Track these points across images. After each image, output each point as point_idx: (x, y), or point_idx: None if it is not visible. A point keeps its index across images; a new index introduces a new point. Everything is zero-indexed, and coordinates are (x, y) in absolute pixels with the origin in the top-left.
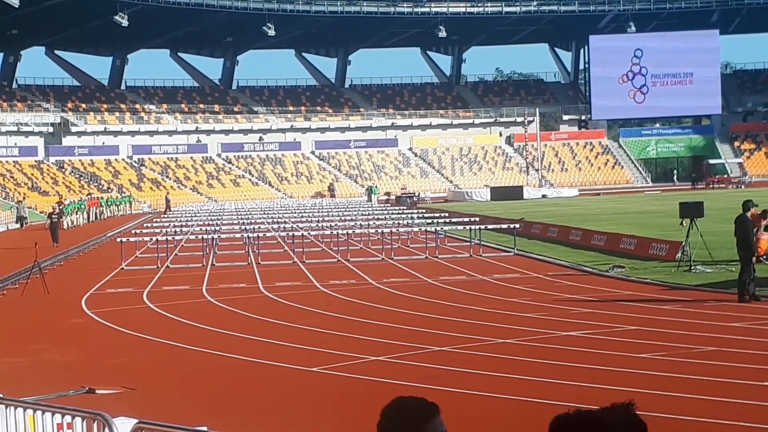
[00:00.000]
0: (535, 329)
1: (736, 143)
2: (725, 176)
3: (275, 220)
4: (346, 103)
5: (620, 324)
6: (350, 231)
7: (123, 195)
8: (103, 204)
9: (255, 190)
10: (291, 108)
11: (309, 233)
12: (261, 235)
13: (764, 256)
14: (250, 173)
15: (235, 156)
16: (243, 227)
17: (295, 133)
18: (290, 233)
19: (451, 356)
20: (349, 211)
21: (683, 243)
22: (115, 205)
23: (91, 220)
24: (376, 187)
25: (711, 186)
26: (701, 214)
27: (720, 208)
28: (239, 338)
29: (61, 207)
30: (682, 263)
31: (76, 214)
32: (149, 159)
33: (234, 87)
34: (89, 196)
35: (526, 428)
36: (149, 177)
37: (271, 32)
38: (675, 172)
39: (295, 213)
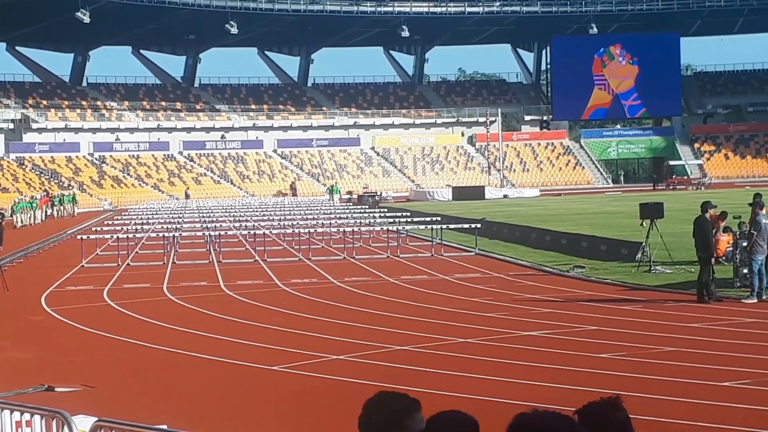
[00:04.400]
0: (496, 329)
1: (696, 145)
2: (685, 177)
3: (237, 219)
4: (309, 102)
5: (580, 324)
6: (312, 230)
7: (65, 194)
8: (56, 203)
9: (217, 188)
10: (253, 106)
11: (271, 232)
12: (222, 233)
13: (723, 257)
14: (212, 171)
15: (197, 154)
16: (204, 225)
17: (257, 131)
18: (252, 232)
19: (412, 355)
20: (311, 209)
21: (643, 244)
22: (66, 203)
23: (42, 219)
24: (338, 186)
25: (671, 187)
26: (661, 215)
27: (680, 209)
28: (200, 336)
29: (12, 205)
30: (642, 264)
31: (27, 212)
32: (110, 156)
33: (196, 85)
34: (44, 194)
35: (487, 428)
36: (110, 174)
37: (234, 30)
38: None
39: (256, 211)
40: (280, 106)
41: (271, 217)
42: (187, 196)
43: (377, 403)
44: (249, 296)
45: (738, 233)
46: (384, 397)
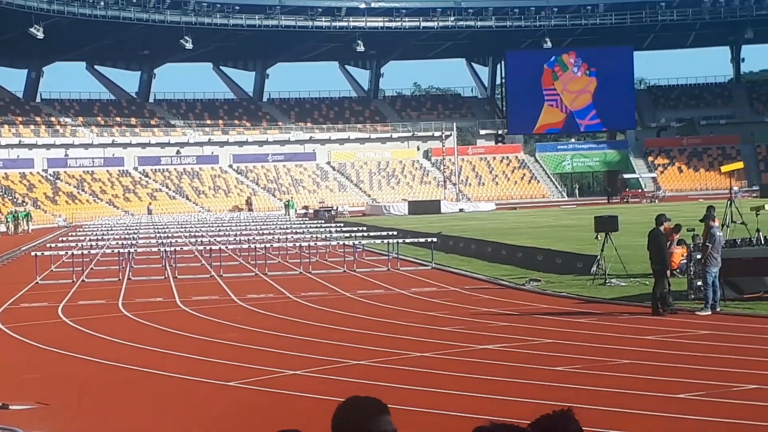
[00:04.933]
0: (452, 342)
1: (650, 158)
2: (639, 191)
3: (192, 234)
4: (264, 117)
5: (536, 337)
6: (268, 245)
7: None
8: (10, 219)
9: (172, 203)
10: (209, 121)
11: (226, 247)
12: (178, 248)
13: (677, 270)
14: (167, 187)
15: (152, 169)
16: (160, 241)
17: (212, 146)
18: (207, 247)
19: (369, 370)
20: (266, 224)
21: (598, 257)
22: (20, 219)
23: None
24: (294, 201)
25: (625, 200)
26: (616, 228)
27: (634, 222)
28: (156, 353)
29: None
30: (597, 277)
31: None
32: (65, 172)
33: (151, 100)
34: None
35: None
36: (65, 190)
37: (189, 45)
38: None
39: (212, 227)
40: (236, 121)
41: (227, 233)
42: (149, 212)
43: (347, 406)
44: (205, 312)
45: (692, 246)
46: (354, 400)
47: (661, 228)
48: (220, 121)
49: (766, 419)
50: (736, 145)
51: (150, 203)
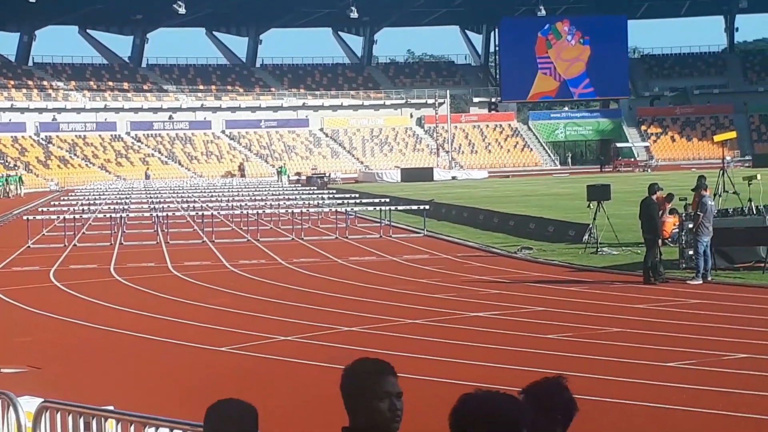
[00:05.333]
0: (444, 310)
1: (643, 127)
2: (632, 160)
3: (185, 200)
4: (257, 83)
5: (528, 305)
6: (260, 211)
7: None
8: (2, 183)
9: (164, 169)
10: (201, 87)
11: (219, 213)
12: (170, 214)
13: (669, 239)
14: (160, 152)
15: (144, 134)
16: (152, 206)
17: (205, 112)
18: (200, 213)
19: (361, 336)
20: (259, 191)
21: (590, 225)
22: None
23: None
24: (287, 167)
25: (618, 169)
26: (608, 197)
27: (627, 191)
28: (147, 317)
29: None
30: (589, 245)
31: None
32: (57, 137)
33: (143, 65)
34: None
35: (434, 407)
36: (57, 155)
37: (182, 10)
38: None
39: (204, 192)
40: (229, 87)
41: (219, 198)
42: (147, 177)
43: (354, 368)
44: (197, 277)
45: (684, 215)
46: (360, 362)
47: (654, 197)
48: (213, 87)
49: (756, 388)
50: (729, 115)
51: (148, 168)
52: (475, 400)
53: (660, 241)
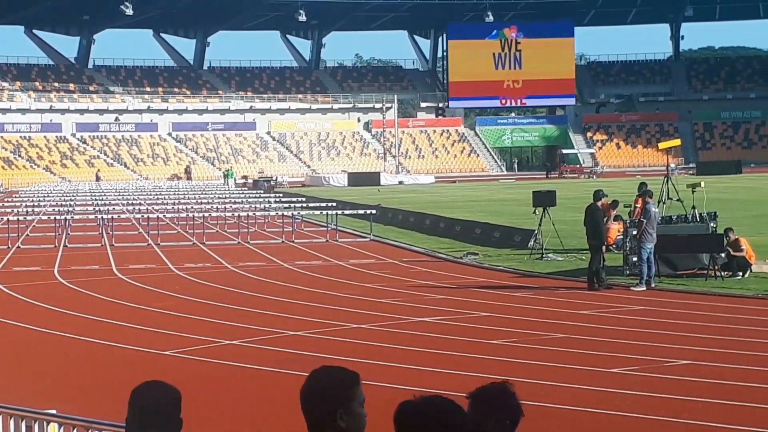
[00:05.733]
0: (389, 315)
1: (589, 134)
2: (578, 166)
3: (130, 202)
4: (205, 85)
5: (473, 310)
6: (207, 214)
7: None
8: None
9: (110, 171)
10: (148, 89)
11: (164, 216)
12: (115, 216)
13: (613, 246)
14: (106, 154)
15: (90, 136)
16: (97, 208)
17: (152, 114)
18: (145, 215)
19: (306, 341)
20: (205, 194)
21: (536, 231)
22: None
23: None
24: (233, 170)
25: (564, 175)
26: (554, 203)
27: (572, 198)
28: (91, 321)
29: None
30: (535, 251)
31: None
32: (1, 137)
33: (90, 66)
34: None
35: (379, 413)
36: (1, 156)
37: (129, 11)
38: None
39: (150, 195)
40: (176, 89)
41: (165, 201)
42: (97, 179)
43: (323, 376)
44: (142, 280)
45: (628, 222)
46: (326, 371)
47: (599, 204)
48: (160, 89)
49: (698, 394)
50: (674, 123)
51: (98, 170)
52: (416, 406)
53: (604, 247)
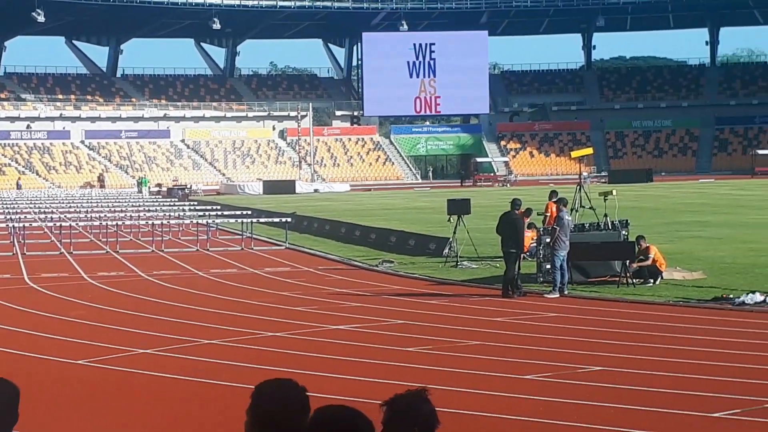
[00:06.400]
0: (305, 323)
1: (503, 142)
2: (492, 174)
3: (42, 210)
4: (118, 93)
5: (388, 318)
6: (120, 222)
7: None
8: None
9: (22, 179)
10: (60, 96)
11: (77, 224)
12: (27, 225)
13: (527, 253)
14: (17, 162)
15: (1, 144)
16: (8, 216)
17: (64, 121)
18: (58, 223)
19: (221, 349)
20: (119, 202)
21: (450, 239)
22: None
23: None
24: (147, 178)
25: (478, 184)
26: (468, 211)
27: (486, 206)
28: (2, 330)
29: None
30: (449, 259)
31: None
32: None
33: (1, 74)
34: None
35: None
36: None
37: (41, 18)
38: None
39: (63, 203)
40: (88, 97)
41: (78, 209)
42: (18, 187)
43: (275, 391)
44: (54, 289)
45: (541, 229)
46: (277, 384)
47: (516, 212)
48: (73, 96)
49: (611, 401)
50: (586, 131)
51: (19, 178)
52: (324, 414)
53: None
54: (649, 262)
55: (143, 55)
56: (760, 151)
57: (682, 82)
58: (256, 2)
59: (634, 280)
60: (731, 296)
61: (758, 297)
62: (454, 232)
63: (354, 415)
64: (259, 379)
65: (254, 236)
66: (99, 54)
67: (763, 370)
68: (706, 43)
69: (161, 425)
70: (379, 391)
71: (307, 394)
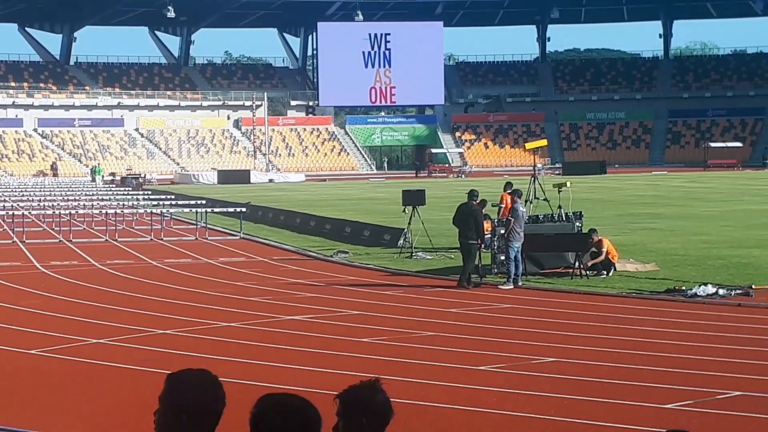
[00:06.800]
0: (260, 313)
1: (458, 133)
2: (446, 165)
3: None
4: (71, 81)
5: (343, 308)
6: (73, 211)
7: None
8: None
9: None
10: (13, 84)
11: (30, 212)
12: None
13: (482, 244)
14: None
15: None
16: None
17: (16, 109)
18: (10, 212)
19: (174, 339)
20: (72, 190)
21: (405, 230)
22: None
23: None
24: (101, 167)
25: (433, 175)
26: (423, 202)
27: (441, 197)
28: None
29: None
30: (404, 250)
31: None
32: None
33: None
34: None
35: (246, 411)
36: None
37: None
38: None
39: (15, 192)
40: (41, 84)
41: (30, 198)
42: None
43: (189, 380)
44: (6, 278)
45: (496, 221)
46: (189, 375)
47: (474, 202)
48: (25, 84)
49: (563, 391)
50: (541, 123)
51: None
52: (270, 402)
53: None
54: (602, 257)
55: (97, 42)
56: (713, 144)
57: (635, 74)
58: None
59: (588, 272)
60: (683, 288)
61: (710, 289)
62: (409, 223)
63: (305, 405)
64: (211, 368)
65: (208, 226)
66: (52, 41)
67: (714, 361)
68: (660, 36)
69: (115, 415)
70: (333, 381)
71: (221, 383)
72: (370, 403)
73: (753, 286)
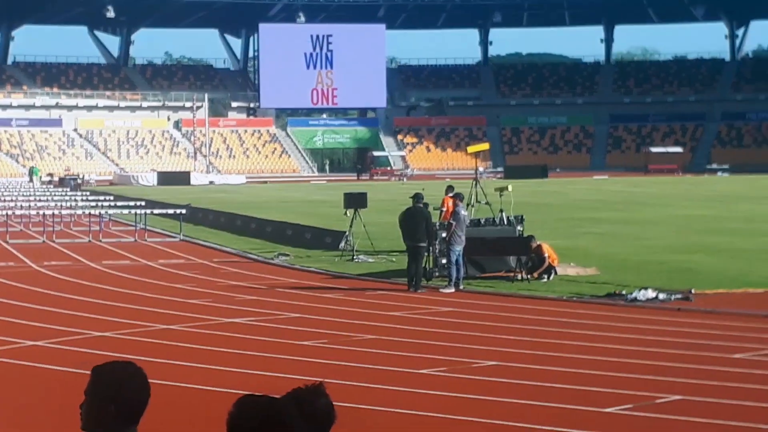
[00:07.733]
0: (199, 315)
1: (400, 136)
2: (388, 168)
3: None
4: (9, 80)
5: (284, 311)
6: (10, 212)
7: None
8: None
9: None
10: None
11: None
12: None
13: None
14: None
15: None
16: None
17: None
18: None
19: (113, 342)
20: (9, 191)
21: (347, 233)
22: None
23: None
24: (39, 167)
25: (374, 178)
26: (364, 205)
27: (383, 200)
28: None
29: None
30: (346, 252)
31: None
32: None
33: None
34: None
35: (189, 415)
36: None
37: None
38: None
39: None
40: None
41: None
42: None
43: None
44: None
45: (438, 224)
46: (116, 366)
47: (420, 205)
48: None
49: (504, 395)
50: (483, 127)
51: None
52: (248, 403)
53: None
54: (546, 265)
55: (35, 42)
56: (653, 149)
57: (577, 79)
58: None
59: (529, 276)
60: (624, 292)
61: (650, 293)
62: (351, 226)
63: (283, 407)
64: (150, 371)
65: (148, 228)
66: None
67: (654, 365)
68: (601, 40)
69: (51, 418)
70: (274, 384)
71: (146, 373)
72: (314, 405)
73: (692, 291)
